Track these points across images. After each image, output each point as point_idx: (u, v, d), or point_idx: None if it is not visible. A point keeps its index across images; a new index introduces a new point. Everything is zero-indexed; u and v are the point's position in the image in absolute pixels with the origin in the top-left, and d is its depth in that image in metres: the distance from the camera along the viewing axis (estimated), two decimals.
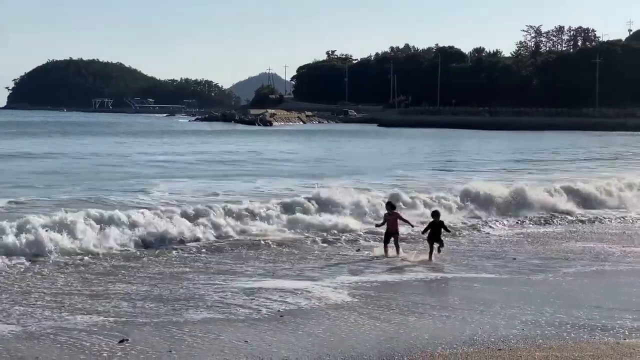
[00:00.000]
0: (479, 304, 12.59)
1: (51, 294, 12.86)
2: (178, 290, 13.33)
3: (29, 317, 11.43)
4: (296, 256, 16.90)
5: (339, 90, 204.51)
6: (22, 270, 14.82)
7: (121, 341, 10.24)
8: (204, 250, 17.36)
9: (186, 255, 16.80)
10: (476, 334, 10.71)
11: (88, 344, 10.14)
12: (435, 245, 16.72)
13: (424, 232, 17.17)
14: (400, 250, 17.05)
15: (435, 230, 16.83)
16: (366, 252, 17.40)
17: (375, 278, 14.81)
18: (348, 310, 12.11)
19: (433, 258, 16.58)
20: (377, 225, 18.03)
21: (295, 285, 13.82)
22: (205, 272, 14.92)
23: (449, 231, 17.49)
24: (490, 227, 21.86)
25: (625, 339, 10.43)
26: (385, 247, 17.04)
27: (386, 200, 20.08)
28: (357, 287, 13.80)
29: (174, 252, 17.03)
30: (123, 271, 14.90)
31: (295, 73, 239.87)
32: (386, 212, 17.59)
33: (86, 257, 16.02)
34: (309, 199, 21.87)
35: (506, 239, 20.12)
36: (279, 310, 11.97)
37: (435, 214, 17.26)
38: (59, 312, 11.70)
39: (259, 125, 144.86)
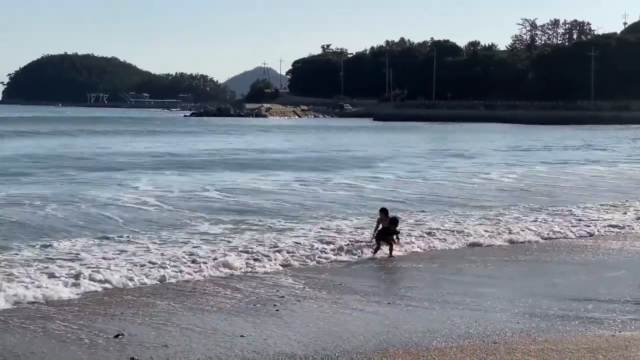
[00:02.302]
0: (474, 296, 12.62)
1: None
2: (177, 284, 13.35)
3: (24, 311, 11.42)
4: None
5: (335, 85, 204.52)
6: None
7: (117, 335, 10.24)
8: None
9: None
10: (471, 327, 10.73)
11: (83, 338, 10.14)
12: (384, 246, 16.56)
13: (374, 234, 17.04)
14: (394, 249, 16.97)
15: (386, 232, 16.67)
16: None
17: (367, 271, 14.80)
18: (343, 303, 12.12)
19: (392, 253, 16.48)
20: (374, 235, 17.78)
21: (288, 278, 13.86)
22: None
23: (398, 240, 16.89)
24: None
25: (620, 332, 10.45)
26: (379, 243, 16.88)
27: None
28: (349, 280, 13.82)
29: None
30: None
31: (290, 67, 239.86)
32: (379, 217, 17.42)
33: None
34: None
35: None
36: (274, 305, 11.97)
37: (394, 221, 16.95)
38: (55, 306, 11.69)
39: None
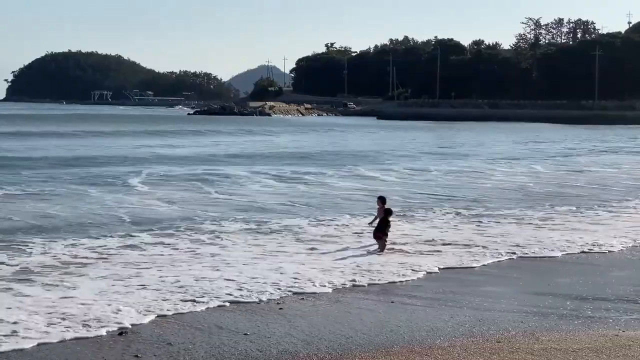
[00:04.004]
0: (478, 295, 12.61)
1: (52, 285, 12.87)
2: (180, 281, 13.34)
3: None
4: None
5: (338, 83, 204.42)
6: None
7: (120, 333, 10.25)
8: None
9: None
10: (475, 326, 10.72)
11: (88, 335, 10.15)
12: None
13: (370, 223, 17.09)
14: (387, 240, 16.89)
15: (381, 222, 16.64)
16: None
17: (369, 269, 14.78)
18: (346, 301, 12.11)
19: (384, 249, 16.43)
20: (370, 224, 17.50)
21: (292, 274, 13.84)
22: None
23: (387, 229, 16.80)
24: None
25: (623, 331, 10.44)
26: (383, 245, 16.79)
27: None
28: (351, 278, 13.80)
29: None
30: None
31: (294, 65, 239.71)
32: (378, 207, 17.32)
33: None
34: None
35: None
36: (278, 303, 11.97)
37: (389, 213, 16.86)
38: (59, 302, 11.70)
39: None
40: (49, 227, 18.96)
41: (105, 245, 16.53)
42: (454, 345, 9.74)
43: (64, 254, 15.46)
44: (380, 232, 16.58)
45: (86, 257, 15.21)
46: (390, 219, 16.90)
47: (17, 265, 14.37)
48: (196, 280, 13.32)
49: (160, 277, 13.55)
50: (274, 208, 23.32)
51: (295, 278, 13.62)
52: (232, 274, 13.86)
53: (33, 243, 16.58)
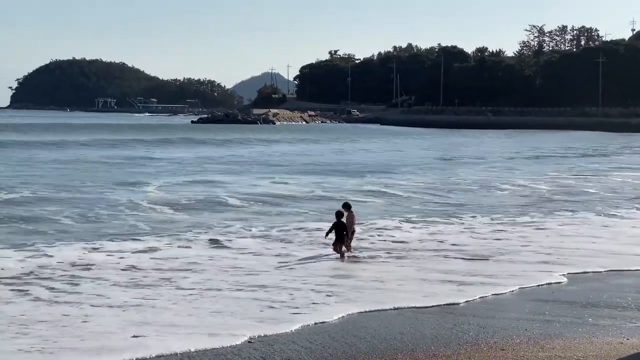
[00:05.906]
0: (481, 302, 12.59)
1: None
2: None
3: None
4: None
5: (342, 90, 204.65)
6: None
7: (134, 336, 10.26)
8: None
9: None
10: (479, 334, 10.69)
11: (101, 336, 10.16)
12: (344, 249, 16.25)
13: (326, 235, 16.49)
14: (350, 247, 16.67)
15: (338, 231, 16.23)
16: None
17: (372, 277, 14.77)
18: (348, 309, 12.08)
19: (345, 257, 16.16)
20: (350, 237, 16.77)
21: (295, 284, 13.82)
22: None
23: (348, 237, 16.35)
24: None
25: (628, 339, 10.41)
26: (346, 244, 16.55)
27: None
28: (350, 286, 13.79)
29: None
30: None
31: (298, 73, 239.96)
32: (346, 214, 16.75)
33: None
34: None
35: None
36: (281, 309, 11.95)
37: (338, 214, 16.43)
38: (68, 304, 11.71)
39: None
40: (66, 232, 19.05)
41: (121, 250, 16.59)
42: (458, 353, 9.71)
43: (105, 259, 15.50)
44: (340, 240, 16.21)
45: (96, 262, 15.23)
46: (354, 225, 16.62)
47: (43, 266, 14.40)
48: (196, 282, 13.36)
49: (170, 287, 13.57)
50: (288, 212, 23.44)
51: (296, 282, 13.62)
52: (244, 280, 13.89)
53: (52, 246, 16.77)
